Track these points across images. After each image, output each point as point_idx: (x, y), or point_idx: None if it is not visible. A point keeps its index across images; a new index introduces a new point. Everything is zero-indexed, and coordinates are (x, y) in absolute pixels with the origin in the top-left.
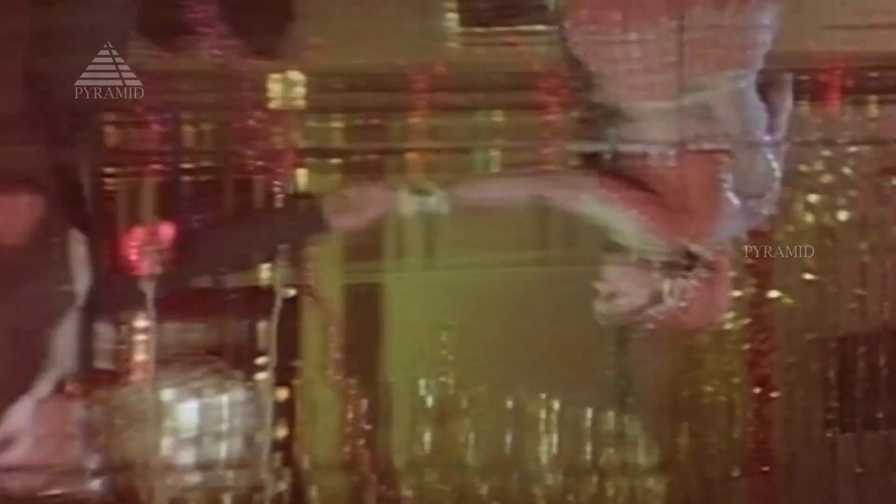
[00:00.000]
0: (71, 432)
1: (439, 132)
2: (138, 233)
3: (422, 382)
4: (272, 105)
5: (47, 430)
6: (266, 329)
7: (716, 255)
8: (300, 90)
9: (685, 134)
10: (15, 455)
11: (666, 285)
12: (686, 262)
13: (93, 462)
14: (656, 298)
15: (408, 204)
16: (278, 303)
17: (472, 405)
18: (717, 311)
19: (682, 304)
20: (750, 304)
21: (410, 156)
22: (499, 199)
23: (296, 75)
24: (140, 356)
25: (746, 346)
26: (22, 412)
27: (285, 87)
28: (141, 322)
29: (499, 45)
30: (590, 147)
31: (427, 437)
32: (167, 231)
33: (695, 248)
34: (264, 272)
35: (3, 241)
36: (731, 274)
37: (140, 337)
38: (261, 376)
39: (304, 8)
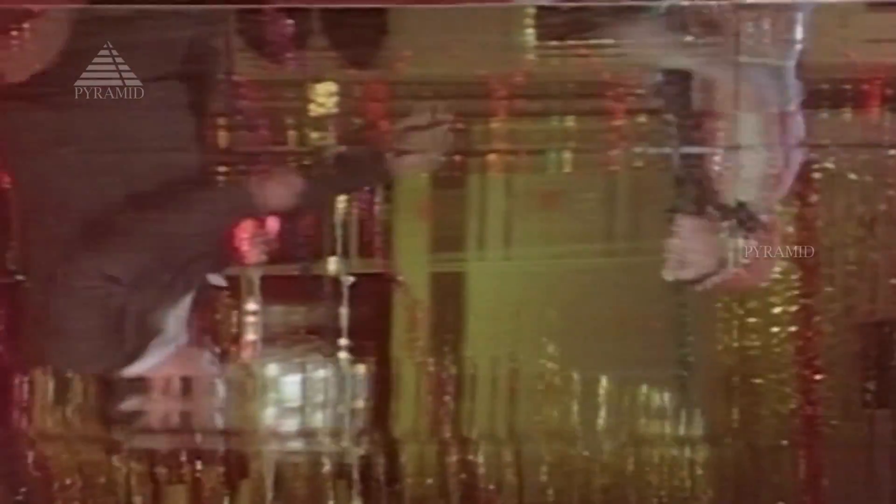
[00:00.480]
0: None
1: (517, 135)
2: (248, 225)
3: (498, 360)
4: (312, 113)
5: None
6: (357, 312)
7: (770, 219)
8: (335, 99)
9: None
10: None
11: (730, 249)
12: (749, 224)
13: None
14: (722, 264)
15: None
16: (344, 290)
17: (542, 381)
18: (769, 271)
19: (743, 261)
20: (799, 294)
21: (490, 156)
22: None
23: (331, 86)
24: (250, 336)
25: (794, 330)
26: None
27: (324, 96)
28: (251, 305)
29: (571, 56)
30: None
31: (501, 409)
32: (273, 224)
33: (754, 209)
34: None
35: (269, 207)
36: (779, 237)
37: (250, 319)
38: (349, 355)
39: (397, 23)
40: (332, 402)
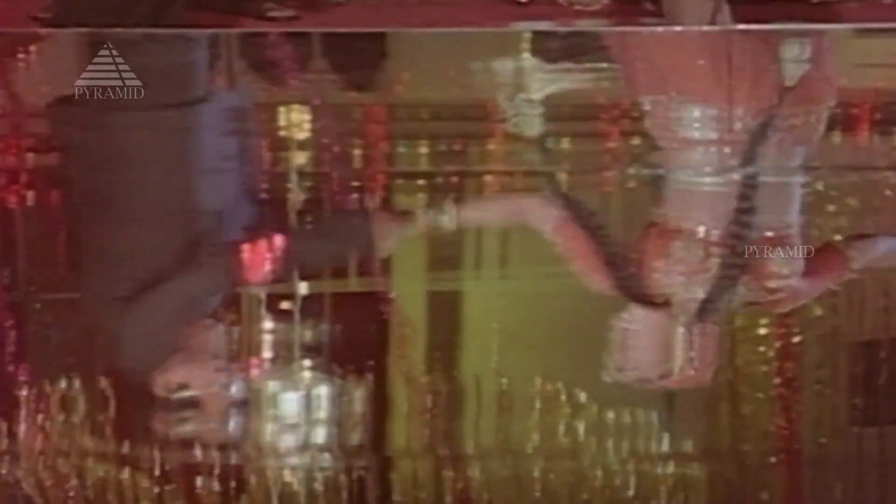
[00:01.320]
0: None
1: (513, 157)
2: (258, 245)
3: (492, 379)
4: (281, 133)
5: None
6: (353, 331)
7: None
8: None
9: None
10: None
11: (679, 333)
12: (702, 315)
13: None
14: (667, 347)
15: (422, 221)
16: (297, 306)
17: (536, 399)
18: (711, 368)
19: (690, 356)
20: (785, 314)
21: (487, 178)
22: (490, 220)
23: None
24: (265, 353)
25: (780, 348)
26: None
27: (294, 118)
28: (267, 323)
29: (566, 80)
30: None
31: (493, 427)
32: (279, 243)
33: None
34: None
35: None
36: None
37: (266, 337)
38: (347, 373)
39: (396, 47)
40: (327, 419)
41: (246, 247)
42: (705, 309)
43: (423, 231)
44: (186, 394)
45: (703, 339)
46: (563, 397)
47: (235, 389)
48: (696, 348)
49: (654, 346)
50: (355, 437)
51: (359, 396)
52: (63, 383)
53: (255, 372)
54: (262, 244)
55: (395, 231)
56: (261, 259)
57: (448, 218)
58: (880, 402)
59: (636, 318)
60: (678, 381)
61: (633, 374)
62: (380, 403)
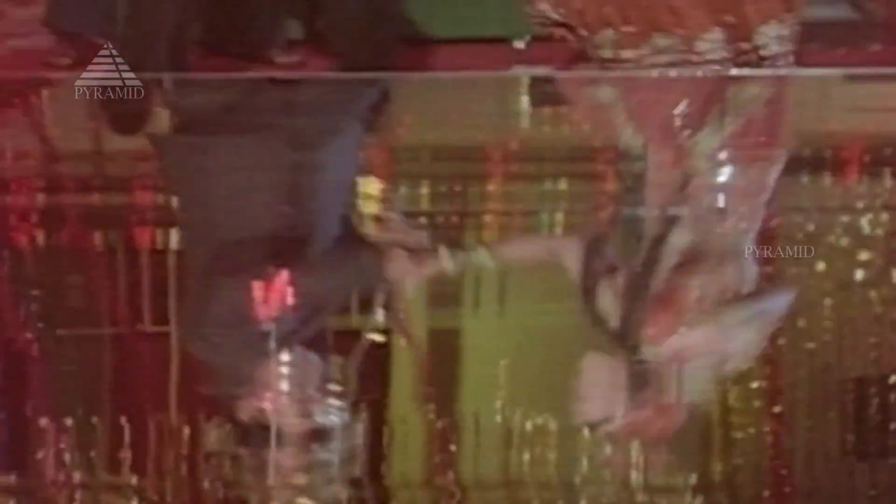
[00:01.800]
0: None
1: (512, 198)
2: (270, 282)
3: (491, 412)
4: None
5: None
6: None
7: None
8: None
9: None
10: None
11: (623, 375)
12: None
13: None
14: (613, 390)
15: (448, 261)
16: (362, 343)
17: (532, 433)
18: (675, 419)
19: (644, 407)
20: (777, 350)
21: (486, 218)
22: (523, 258)
23: None
24: (283, 387)
25: (772, 384)
26: None
27: None
28: (285, 356)
29: (563, 122)
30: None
31: (493, 458)
32: (287, 278)
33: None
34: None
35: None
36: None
37: (284, 370)
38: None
39: (399, 91)
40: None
41: (260, 283)
42: (625, 341)
43: (448, 270)
44: (265, 421)
45: (652, 382)
46: (560, 431)
47: (316, 420)
48: (642, 392)
49: (603, 388)
50: (356, 469)
51: (360, 429)
52: (80, 418)
53: (269, 406)
54: (278, 279)
55: (412, 270)
56: (276, 294)
57: (480, 257)
58: (871, 436)
59: (588, 362)
60: (627, 425)
61: (587, 417)
62: (380, 436)
